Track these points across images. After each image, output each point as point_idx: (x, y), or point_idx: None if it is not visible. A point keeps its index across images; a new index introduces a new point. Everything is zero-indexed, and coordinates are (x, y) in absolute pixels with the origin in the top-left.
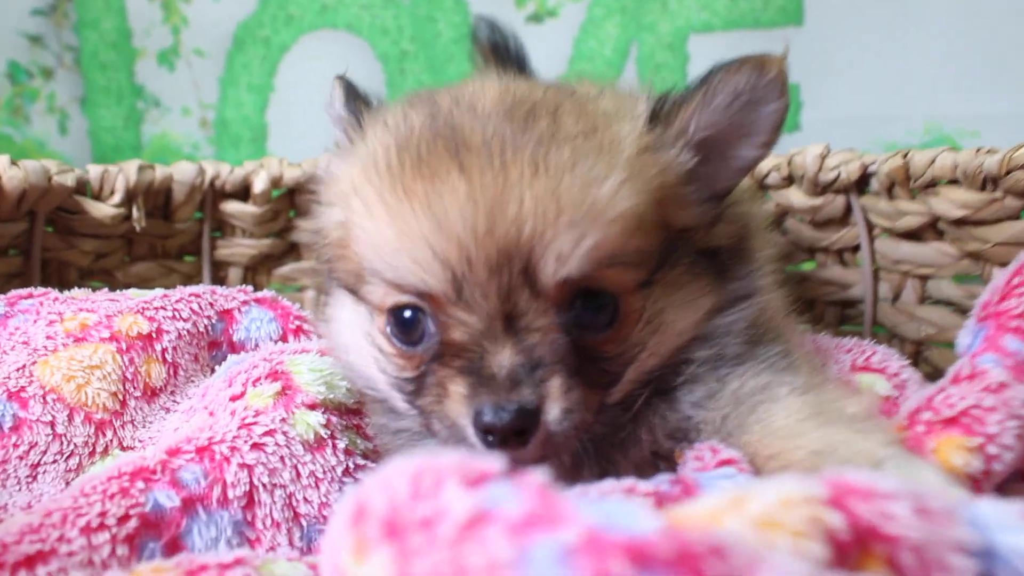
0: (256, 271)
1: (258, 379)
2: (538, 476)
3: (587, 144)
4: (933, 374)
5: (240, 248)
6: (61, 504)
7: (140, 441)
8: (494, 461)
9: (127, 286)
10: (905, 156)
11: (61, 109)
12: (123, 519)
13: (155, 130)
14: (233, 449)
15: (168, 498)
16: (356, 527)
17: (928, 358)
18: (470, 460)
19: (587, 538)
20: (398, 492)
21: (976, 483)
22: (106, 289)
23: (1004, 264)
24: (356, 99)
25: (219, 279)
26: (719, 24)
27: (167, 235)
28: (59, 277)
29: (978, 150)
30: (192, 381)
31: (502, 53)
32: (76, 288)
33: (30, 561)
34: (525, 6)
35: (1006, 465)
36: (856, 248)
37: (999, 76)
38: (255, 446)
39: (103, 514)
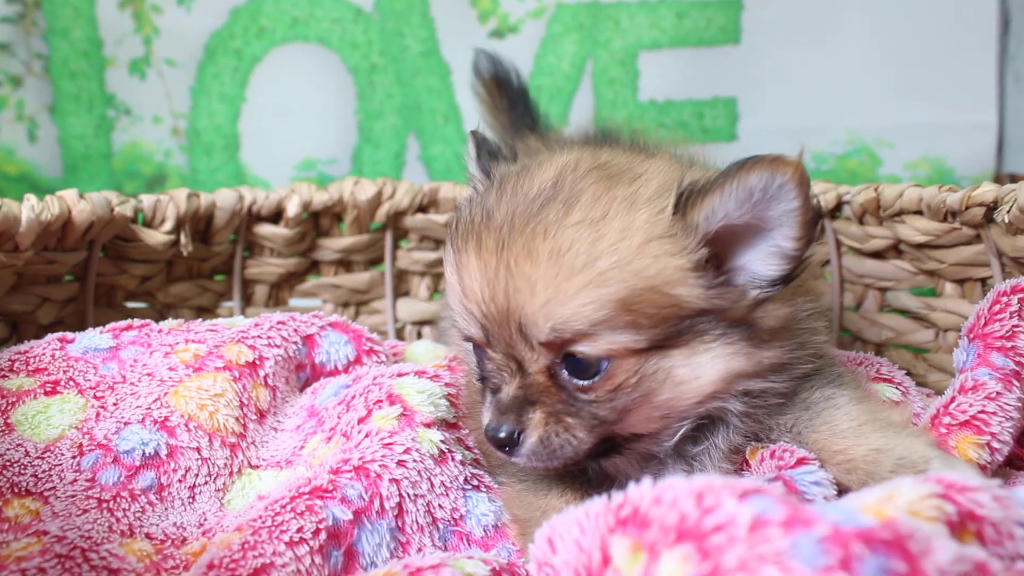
0: (280, 288)
1: (378, 402)
2: (778, 489)
3: (585, 232)
4: None
5: (268, 267)
6: (263, 522)
7: (264, 460)
8: (748, 480)
9: (166, 305)
10: (876, 190)
11: (30, 117)
12: (316, 532)
13: (126, 138)
14: (384, 467)
15: (342, 512)
16: (629, 532)
17: (889, 358)
18: (727, 480)
19: (833, 531)
20: (685, 506)
21: (984, 471)
22: (199, 319)
23: (956, 280)
24: (488, 154)
25: (247, 296)
26: (666, 42)
27: (205, 257)
28: (107, 300)
29: (940, 187)
30: (287, 401)
31: (505, 86)
32: (125, 311)
33: (256, 574)
34: (488, 22)
35: (1003, 456)
36: (825, 263)
37: (912, 92)
38: (399, 463)
39: (300, 529)
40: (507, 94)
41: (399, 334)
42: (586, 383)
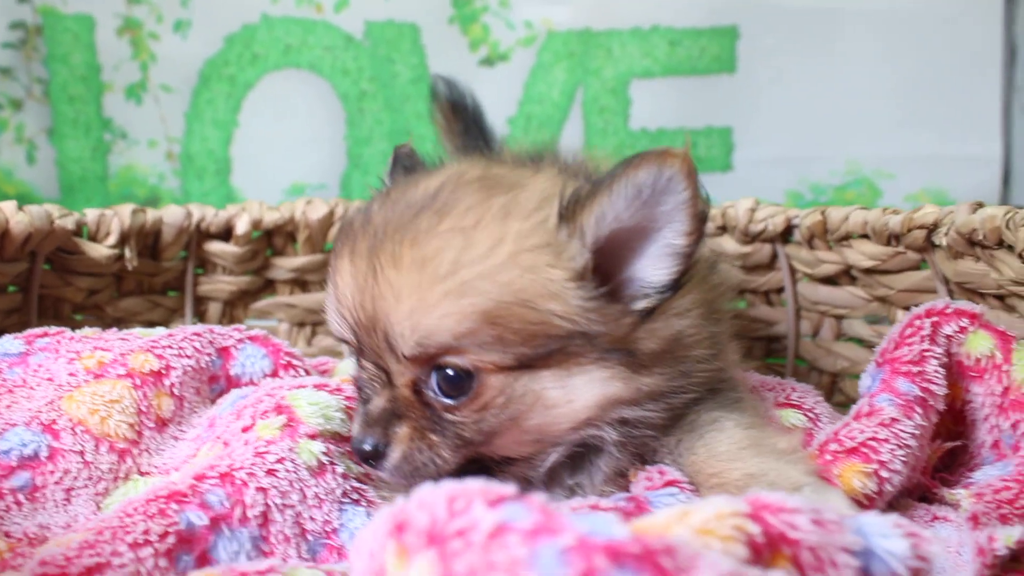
0: (234, 305)
1: (265, 412)
2: (540, 497)
3: (454, 240)
4: (846, 402)
5: (220, 284)
6: (110, 523)
7: (155, 467)
8: (508, 487)
9: (116, 319)
10: (823, 213)
11: (29, 139)
12: (163, 536)
13: (121, 161)
14: (251, 475)
15: (199, 518)
16: (398, 537)
17: (842, 388)
18: (489, 485)
19: (578, 542)
20: (438, 510)
21: (871, 501)
22: (115, 329)
23: (907, 307)
24: (404, 169)
25: (200, 313)
26: (659, 70)
27: (154, 273)
28: (54, 312)
29: (884, 209)
30: (195, 412)
31: (460, 111)
32: (73, 323)
33: (90, 572)
34: (478, 50)
35: (895, 486)
36: (781, 290)
37: (912, 122)
38: (269, 472)
39: (147, 532)
40: (462, 118)
41: None
42: (452, 402)
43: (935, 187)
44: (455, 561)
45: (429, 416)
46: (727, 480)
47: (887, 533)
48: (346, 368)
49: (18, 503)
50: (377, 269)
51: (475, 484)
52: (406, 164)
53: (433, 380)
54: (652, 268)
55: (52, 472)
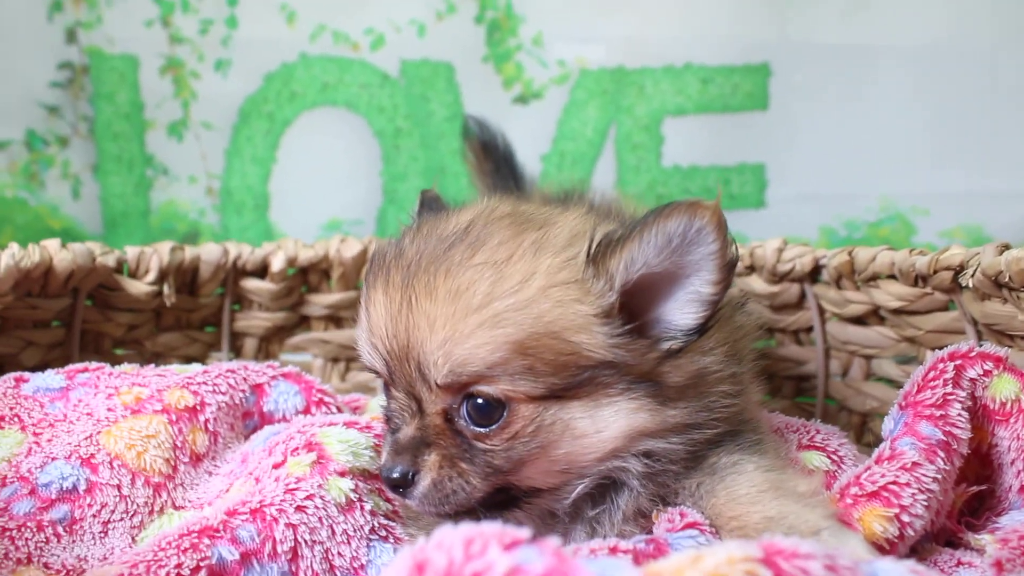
0: (270, 341)
1: (296, 449)
2: (553, 542)
3: (487, 273)
4: (876, 442)
5: (256, 320)
6: (144, 557)
7: (189, 501)
8: (523, 531)
9: (155, 354)
10: (850, 253)
11: (75, 175)
12: (195, 570)
13: (163, 197)
14: (281, 511)
15: (230, 552)
16: None
17: (872, 428)
18: (506, 529)
19: None
20: (455, 552)
21: (892, 545)
22: (152, 365)
23: (936, 348)
24: (426, 209)
25: (236, 348)
26: (691, 108)
27: (192, 308)
28: (95, 346)
29: (911, 250)
30: (229, 447)
31: (491, 150)
32: (113, 357)
33: None
34: (512, 88)
35: (917, 531)
36: (810, 329)
37: (946, 159)
38: (298, 508)
39: (179, 565)
40: (492, 158)
41: None
42: (483, 430)
43: (970, 223)
44: None
45: (459, 444)
46: (747, 523)
47: None
48: (378, 405)
49: (57, 535)
50: (412, 300)
51: (491, 527)
52: (432, 208)
53: (464, 409)
54: (679, 312)
55: (90, 505)
